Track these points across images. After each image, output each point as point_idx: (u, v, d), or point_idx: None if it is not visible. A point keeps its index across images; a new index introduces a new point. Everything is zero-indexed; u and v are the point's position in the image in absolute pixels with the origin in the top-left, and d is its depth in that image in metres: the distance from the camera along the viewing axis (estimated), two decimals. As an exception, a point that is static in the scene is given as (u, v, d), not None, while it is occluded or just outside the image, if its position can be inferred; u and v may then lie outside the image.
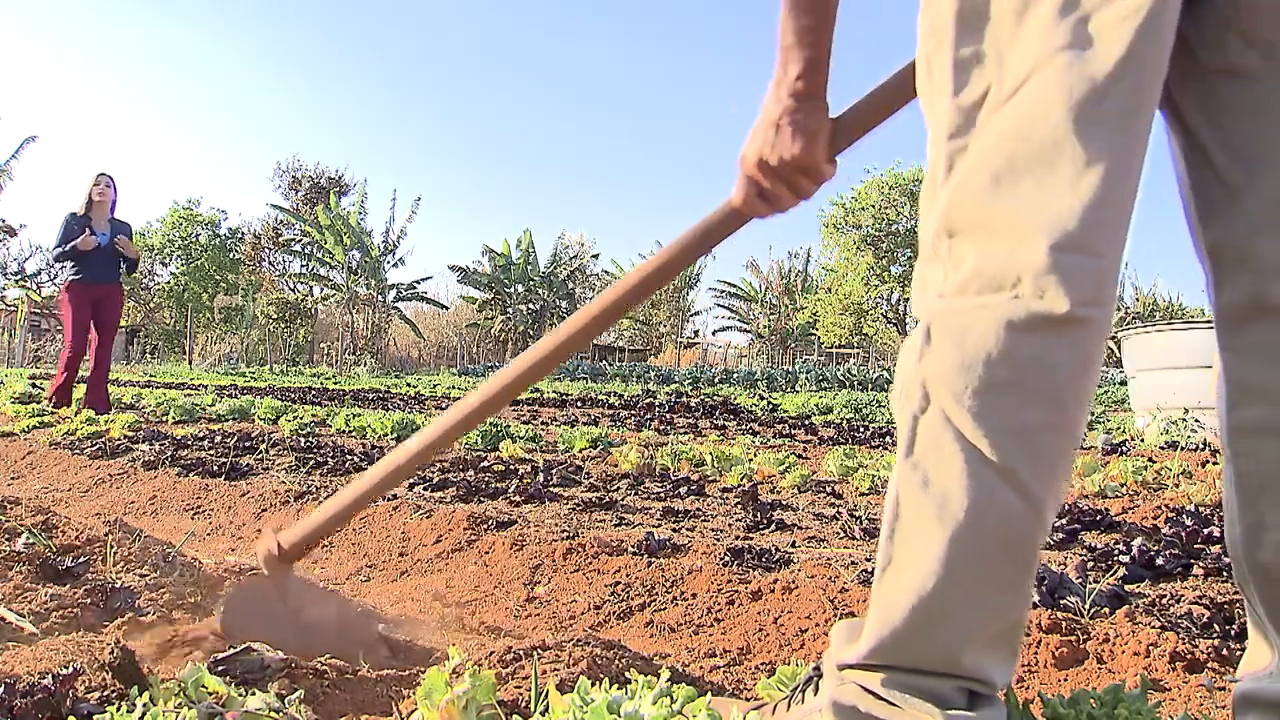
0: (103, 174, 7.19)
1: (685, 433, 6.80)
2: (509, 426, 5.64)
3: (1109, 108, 0.86)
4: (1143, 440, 6.91)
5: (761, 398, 13.63)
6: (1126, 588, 2.01)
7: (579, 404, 11.05)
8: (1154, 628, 1.66)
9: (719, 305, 40.14)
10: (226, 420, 7.03)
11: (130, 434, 5.22)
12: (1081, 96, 0.85)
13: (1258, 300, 0.92)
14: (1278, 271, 0.91)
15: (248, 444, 4.86)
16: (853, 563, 2.27)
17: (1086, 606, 1.80)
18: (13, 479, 4.36)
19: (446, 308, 37.66)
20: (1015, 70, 0.89)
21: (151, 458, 4.27)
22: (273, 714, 1.13)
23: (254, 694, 1.18)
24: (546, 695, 1.13)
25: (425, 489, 3.44)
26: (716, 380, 21.97)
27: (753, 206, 1.19)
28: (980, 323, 0.88)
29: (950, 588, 0.89)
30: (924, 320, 0.94)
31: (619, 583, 2.19)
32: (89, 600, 1.66)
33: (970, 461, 0.88)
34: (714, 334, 41.72)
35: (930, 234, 0.95)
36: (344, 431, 6.08)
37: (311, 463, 4.11)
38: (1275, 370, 0.92)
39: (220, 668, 1.30)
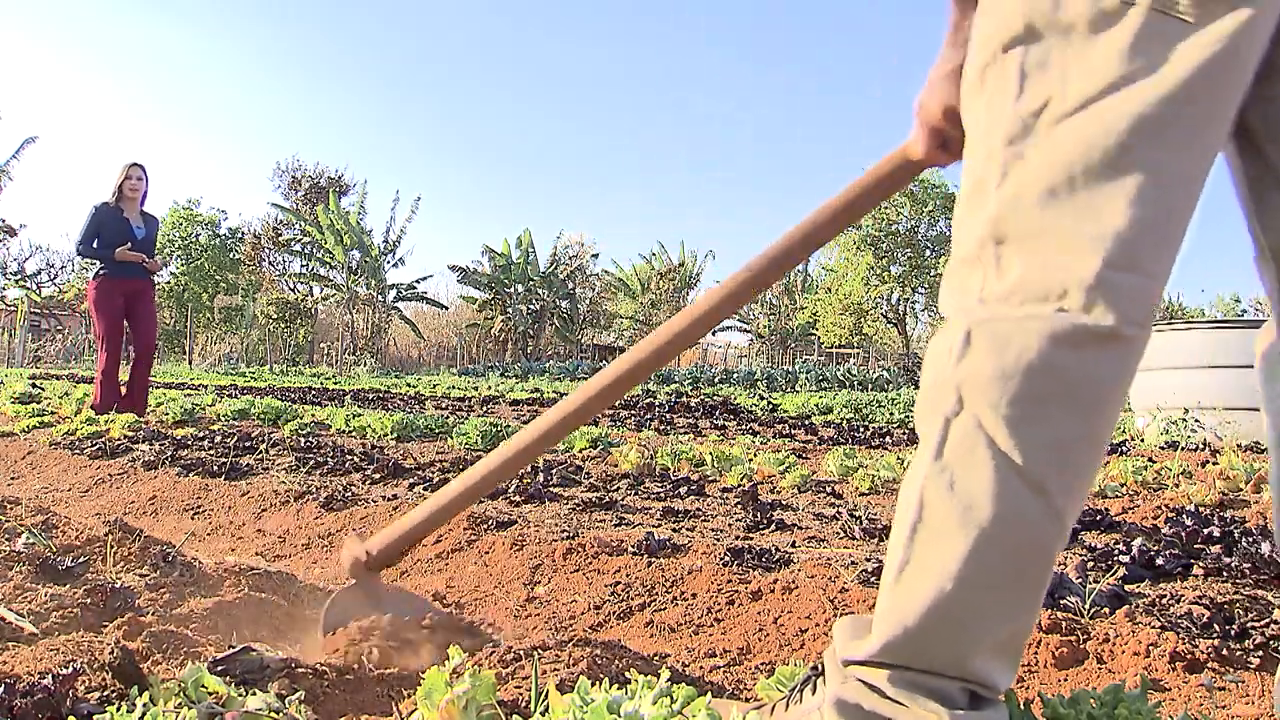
0: (135, 164, 6.72)
1: (685, 433, 6.80)
2: (509, 426, 5.64)
3: (1177, 133, 0.87)
4: (1143, 440, 6.91)
5: (761, 398, 13.63)
6: (1126, 588, 2.01)
7: (579, 404, 11.03)
8: (1154, 628, 1.66)
9: (719, 305, 40.05)
10: (226, 420, 7.03)
11: (130, 434, 5.22)
12: (1151, 119, 0.86)
13: None
14: None
15: (248, 444, 4.86)
16: (853, 563, 2.27)
17: (1086, 606, 1.80)
18: (13, 479, 4.36)
19: (446, 308, 37.64)
20: (1083, 84, 0.89)
21: (151, 458, 4.27)
22: (273, 714, 1.13)
23: (254, 694, 1.18)
24: (546, 695, 1.13)
25: (425, 489, 3.44)
26: (716, 380, 21.96)
27: (935, 156, 1.17)
28: (1024, 333, 0.89)
29: (969, 592, 0.90)
30: (963, 324, 0.94)
31: (619, 583, 2.19)
32: (89, 600, 1.66)
33: (1000, 469, 0.89)
34: (714, 334, 41.75)
35: (975, 238, 0.95)
36: (344, 431, 6.08)
37: (311, 463, 4.11)
38: None
39: (220, 668, 1.30)
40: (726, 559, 2.28)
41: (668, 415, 8.62)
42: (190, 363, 30.23)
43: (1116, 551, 2.30)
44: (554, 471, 3.90)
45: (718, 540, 2.59)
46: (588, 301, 36.99)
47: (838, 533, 2.76)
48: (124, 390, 6.79)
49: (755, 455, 4.60)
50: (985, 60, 0.97)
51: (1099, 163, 0.87)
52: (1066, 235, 0.88)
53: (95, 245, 6.56)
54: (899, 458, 4.14)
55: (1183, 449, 5.91)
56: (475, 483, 1.48)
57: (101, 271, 6.63)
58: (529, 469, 4.03)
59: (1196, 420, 6.82)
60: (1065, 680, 1.55)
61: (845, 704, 0.95)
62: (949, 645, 0.91)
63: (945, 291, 0.99)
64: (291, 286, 36.81)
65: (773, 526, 2.85)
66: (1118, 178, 0.87)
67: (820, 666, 1.07)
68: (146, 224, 6.78)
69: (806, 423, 8.32)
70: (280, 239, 36.35)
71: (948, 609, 0.90)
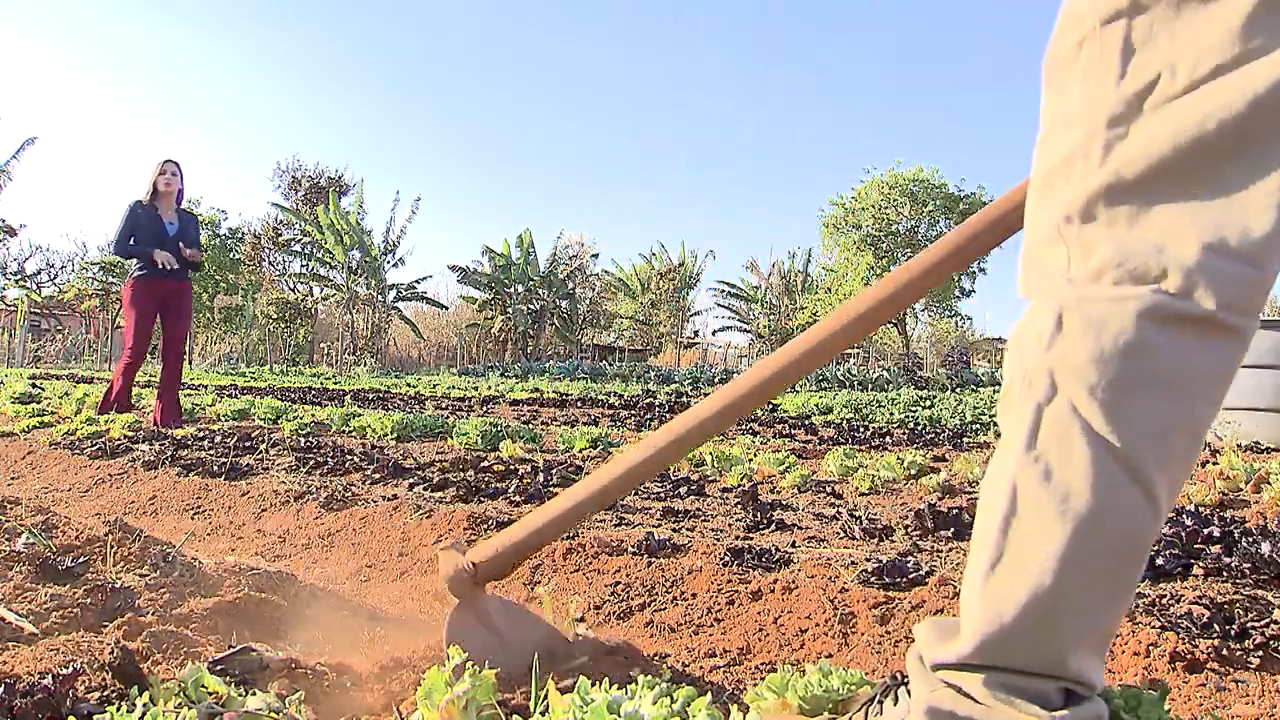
0: (169, 161, 6.43)
1: (685, 433, 6.78)
2: (509, 426, 5.64)
3: None
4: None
5: (761, 398, 13.59)
6: (1126, 588, 2.01)
7: (579, 404, 11.05)
8: (1154, 628, 1.66)
9: (719, 305, 40.13)
10: (227, 420, 7.02)
11: (130, 434, 5.22)
12: (1268, 103, 0.82)
13: None
14: None
15: (248, 444, 4.86)
16: (853, 563, 2.27)
17: (1086, 606, 1.80)
18: (13, 479, 4.36)
19: (446, 308, 37.64)
20: (1195, 63, 0.85)
21: (151, 458, 4.27)
22: (272, 714, 1.13)
23: (254, 694, 1.18)
24: (547, 695, 1.13)
25: (425, 489, 3.44)
26: (716, 380, 21.95)
27: None
28: (1120, 314, 0.85)
29: (1069, 586, 0.86)
30: (1052, 307, 0.90)
31: (619, 583, 2.19)
32: (89, 600, 1.66)
33: (1099, 456, 0.85)
34: (714, 334, 41.72)
35: (1059, 215, 0.91)
36: (344, 431, 6.08)
37: (311, 463, 4.11)
38: None
39: (219, 667, 1.30)
40: (726, 559, 2.28)
41: (667, 415, 8.62)
42: (190, 363, 30.22)
43: (1116, 551, 2.29)
44: (554, 471, 3.90)
45: (718, 540, 2.59)
46: (588, 301, 36.98)
47: (838, 533, 2.76)
48: (156, 399, 6.57)
49: (755, 455, 4.60)
50: (1082, 34, 0.92)
51: (1210, 146, 0.83)
52: (1169, 219, 0.85)
53: (131, 244, 6.29)
54: (899, 458, 4.14)
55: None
56: (602, 487, 1.37)
57: (138, 272, 6.36)
58: (530, 469, 4.03)
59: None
60: (1065, 680, 1.55)
61: (939, 712, 0.92)
62: (1047, 642, 0.88)
63: (1025, 275, 0.95)
64: (291, 286, 36.81)
65: (773, 526, 2.85)
66: (1230, 163, 0.83)
67: (900, 676, 1.04)
68: (182, 221, 6.48)
69: (806, 423, 8.32)
70: (280, 239, 36.35)
71: (1047, 604, 0.87)
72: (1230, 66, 0.83)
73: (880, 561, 2.13)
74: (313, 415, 6.81)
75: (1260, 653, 1.55)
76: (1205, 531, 2.41)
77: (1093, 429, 0.86)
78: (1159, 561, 2.20)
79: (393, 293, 33.63)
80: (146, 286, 6.36)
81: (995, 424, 7.90)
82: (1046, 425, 0.88)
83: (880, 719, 1.02)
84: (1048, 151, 0.94)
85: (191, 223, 6.57)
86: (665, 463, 1.37)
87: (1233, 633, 1.62)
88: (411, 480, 3.61)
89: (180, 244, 6.38)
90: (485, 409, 9.66)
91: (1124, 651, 1.58)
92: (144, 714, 1.08)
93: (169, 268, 6.29)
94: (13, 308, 34.08)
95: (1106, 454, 0.85)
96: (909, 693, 1.00)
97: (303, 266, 35.41)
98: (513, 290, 34.61)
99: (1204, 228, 0.83)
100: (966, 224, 1.20)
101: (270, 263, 37.87)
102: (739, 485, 3.76)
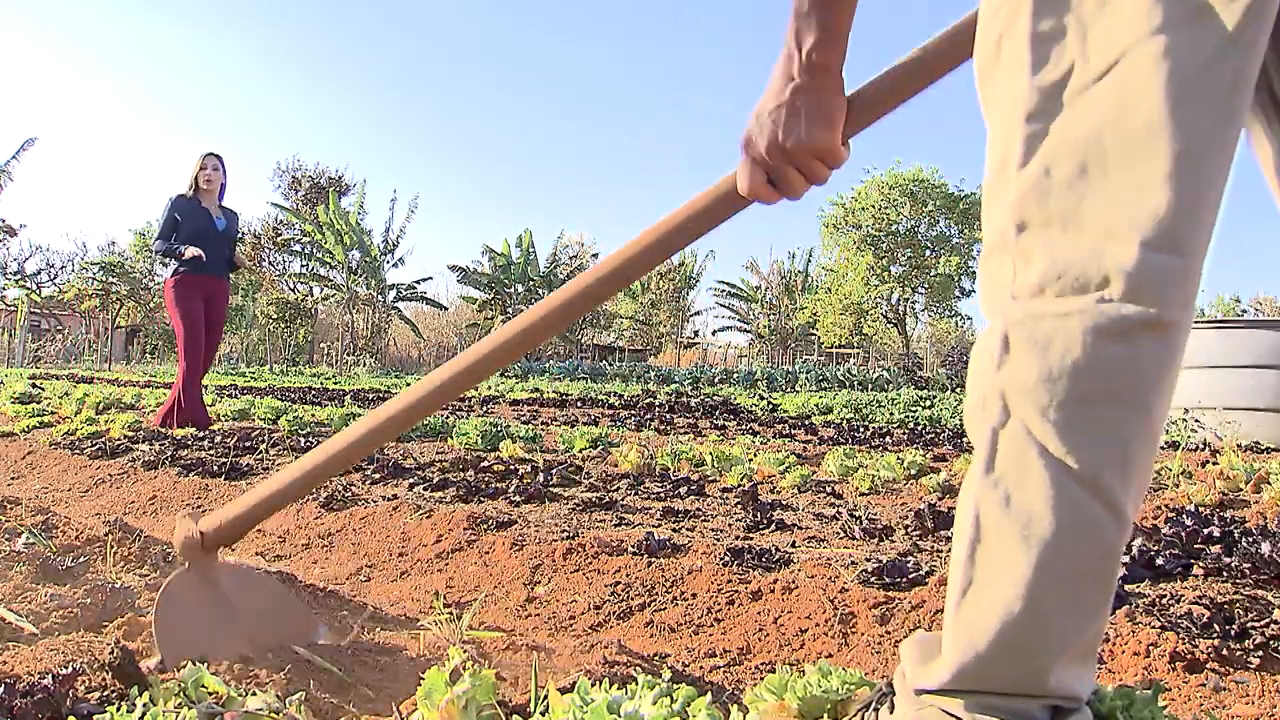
0: (210, 154, 6.06)
1: (685, 433, 6.80)
2: (509, 426, 5.64)
3: (1210, 95, 0.79)
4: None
5: (761, 398, 13.62)
6: (1126, 588, 2.01)
7: (579, 404, 11.05)
8: (1154, 628, 1.66)
9: (719, 305, 40.14)
10: (226, 420, 7.02)
11: (130, 434, 5.22)
12: (1182, 81, 0.78)
13: None
14: None
15: (248, 444, 4.86)
16: (853, 563, 2.27)
17: (1086, 606, 1.80)
18: (13, 479, 4.36)
19: (446, 308, 37.67)
20: (1104, 49, 0.81)
21: (151, 458, 4.27)
22: (272, 714, 1.14)
23: (254, 694, 1.18)
24: (546, 695, 1.13)
25: (425, 489, 3.44)
26: (716, 380, 21.97)
27: (759, 192, 1.10)
28: (1066, 330, 0.82)
29: (1039, 609, 0.85)
30: (999, 326, 0.87)
31: (619, 583, 2.19)
32: (89, 600, 1.66)
33: (1056, 478, 0.83)
34: (714, 334, 41.74)
35: (999, 226, 0.87)
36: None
37: (311, 463, 4.10)
38: None
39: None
40: (726, 559, 2.27)
41: (668, 415, 8.63)
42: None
43: (1116, 551, 2.30)
44: (554, 471, 3.90)
45: (718, 540, 2.59)
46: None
47: (838, 533, 2.76)
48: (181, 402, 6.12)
49: (755, 455, 4.60)
50: (999, 29, 0.88)
51: (1130, 132, 0.80)
52: (1102, 216, 0.81)
53: (174, 241, 5.87)
54: (899, 458, 4.14)
55: (1183, 449, 5.91)
56: (336, 452, 1.37)
57: (180, 269, 5.89)
58: (529, 469, 4.03)
59: (1196, 420, 6.82)
60: (1065, 680, 1.55)
61: None
62: (1024, 665, 0.86)
63: (980, 291, 0.93)
64: (291, 286, 36.83)
65: (773, 526, 2.85)
66: (1153, 148, 0.79)
67: (892, 687, 1.03)
68: (227, 218, 6.09)
69: (806, 423, 8.32)
70: (280, 239, 36.36)
71: (1018, 629, 0.85)
72: (1144, 43, 0.79)
73: (880, 561, 2.13)
74: (313, 415, 6.81)
75: (1260, 653, 1.55)
76: (1205, 531, 2.41)
77: (1049, 452, 0.83)
78: (1159, 561, 2.20)
79: (393, 293, 33.64)
80: (191, 284, 5.93)
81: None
82: (1003, 449, 0.86)
83: None
84: (988, 157, 0.91)
85: (235, 220, 6.22)
86: (391, 434, 1.37)
87: (1233, 633, 1.62)
88: (411, 480, 3.61)
89: (229, 245, 6.07)
90: (485, 409, 9.66)
91: (1124, 651, 1.58)
92: (144, 714, 1.08)
93: (200, 259, 5.83)
94: (13, 308, 34.09)
95: (1065, 475, 0.83)
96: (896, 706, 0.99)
97: (303, 266, 35.43)
98: (513, 290, 34.62)
99: (1137, 223, 0.80)
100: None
101: (270, 263, 37.88)
102: (739, 485, 3.76)
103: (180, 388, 5.98)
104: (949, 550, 2.50)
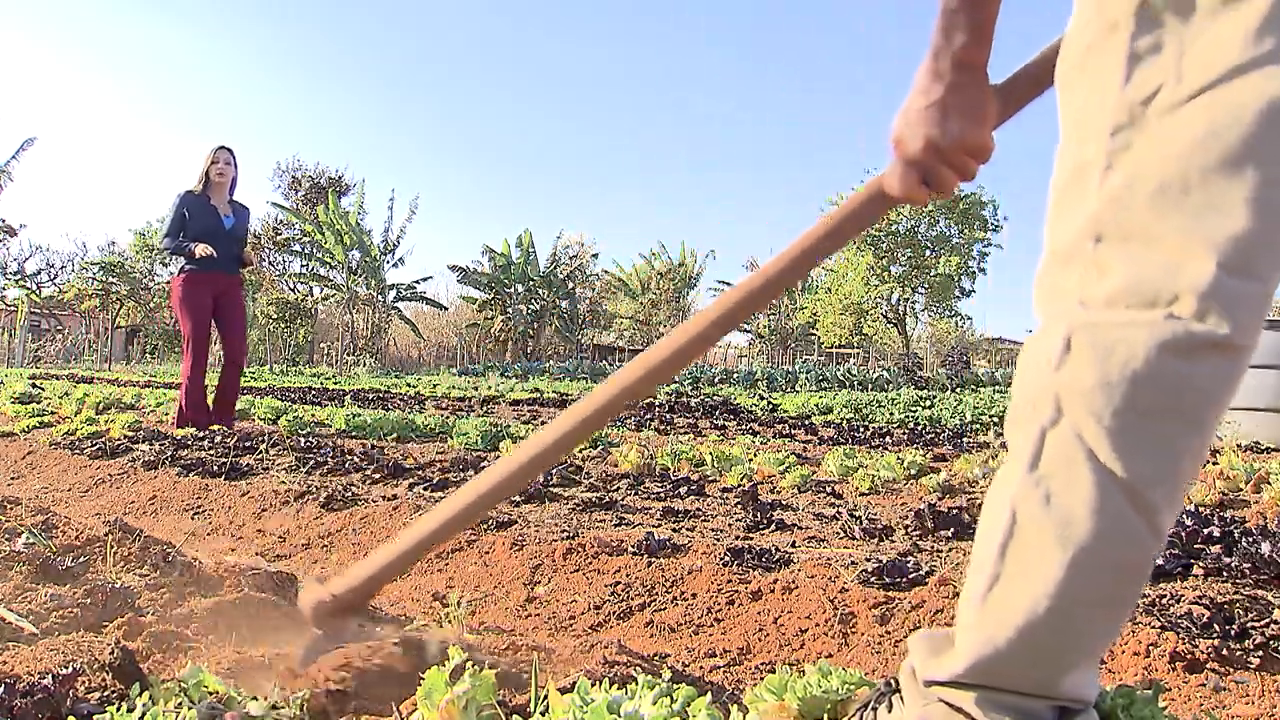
0: (222, 148, 5.91)
1: (685, 433, 6.80)
2: (509, 426, 5.64)
3: None
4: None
5: (761, 398, 13.62)
6: (1126, 588, 2.01)
7: (579, 404, 11.03)
8: (1154, 628, 1.66)
9: (719, 305, 40.04)
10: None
11: (130, 434, 5.22)
12: (1276, 110, 0.79)
13: None
14: None
15: (248, 444, 4.86)
16: (853, 563, 2.27)
17: (1086, 606, 1.80)
18: (13, 479, 4.36)
19: (446, 308, 37.66)
20: (1201, 70, 0.82)
21: (151, 458, 4.27)
22: (273, 714, 1.14)
23: (254, 699, 1.18)
24: (546, 695, 1.13)
25: (425, 489, 3.44)
26: (716, 380, 21.96)
27: (914, 193, 1.09)
28: (1130, 340, 0.83)
29: (1065, 612, 0.85)
30: (1062, 328, 0.87)
31: (619, 583, 2.19)
32: (89, 600, 1.66)
33: (1101, 484, 0.84)
34: (714, 334, 41.65)
35: (1072, 234, 0.88)
36: (344, 432, 6.08)
37: (311, 463, 4.11)
38: None
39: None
40: (726, 559, 2.27)
41: (668, 415, 8.62)
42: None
43: (1116, 551, 2.29)
44: (554, 471, 3.90)
45: (718, 540, 2.59)
46: (588, 301, 36.99)
47: (838, 533, 2.76)
48: (210, 401, 6.03)
49: (755, 455, 4.60)
50: (1089, 41, 0.89)
51: (1219, 156, 0.80)
52: (1179, 236, 0.82)
53: (182, 238, 5.76)
54: (899, 458, 4.14)
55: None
56: (480, 496, 1.33)
57: (188, 266, 5.78)
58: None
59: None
60: (1065, 680, 1.55)
61: None
62: (1041, 666, 0.87)
63: (1039, 292, 0.93)
64: (291, 286, 36.83)
65: (773, 526, 2.85)
66: (1240, 173, 0.80)
67: (894, 683, 1.03)
68: (236, 214, 5.95)
69: (806, 423, 8.32)
70: (280, 239, 36.36)
71: (1041, 630, 0.86)
72: (1240, 72, 0.80)
73: (880, 561, 2.13)
74: (312, 415, 6.81)
75: (1260, 653, 1.55)
76: (1205, 531, 2.41)
77: (1097, 457, 0.84)
78: (1159, 561, 2.20)
79: (393, 293, 33.64)
80: (199, 281, 5.80)
81: (995, 424, 7.89)
82: (1050, 449, 0.87)
83: None
84: (1060, 164, 0.92)
85: (245, 215, 6.05)
86: (524, 479, 1.35)
87: (1233, 633, 1.62)
88: (411, 480, 3.61)
89: (238, 242, 5.93)
90: (485, 409, 9.66)
91: (1124, 651, 1.59)
92: (144, 714, 1.08)
93: (208, 256, 5.70)
94: (13, 308, 34.10)
95: (1110, 483, 0.84)
96: (903, 700, 0.99)
97: (303, 266, 35.44)
98: (513, 290, 34.62)
99: (1214, 245, 0.80)
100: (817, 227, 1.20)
101: (270, 263, 37.89)
102: (739, 485, 3.76)
103: (186, 386, 5.89)
104: (949, 550, 2.50)
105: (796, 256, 1.20)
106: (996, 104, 1.06)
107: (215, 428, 5.71)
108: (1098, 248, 0.86)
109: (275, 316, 33.92)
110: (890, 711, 1.00)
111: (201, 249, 5.67)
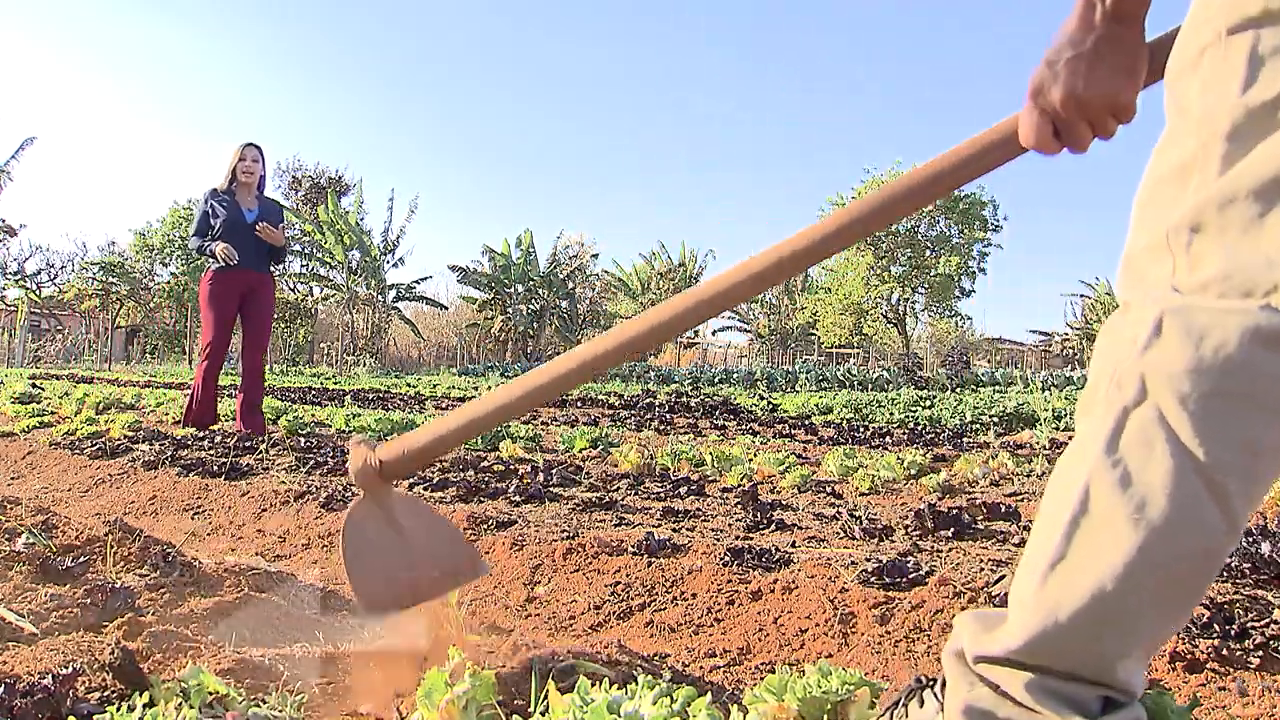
0: (250, 145, 5.87)
1: (685, 433, 6.80)
2: (508, 426, 5.64)
3: None
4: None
5: (761, 398, 13.62)
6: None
7: (579, 404, 11.05)
8: (1154, 628, 1.66)
9: (719, 305, 40.05)
10: (227, 419, 7.02)
11: (130, 434, 5.22)
12: None
13: None
14: None
15: (248, 444, 4.86)
16: (853, 563, 2.27)
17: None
18: (13, 479, 4.36)
19: (446, 308, 37.65)
20: None
21: (151, 458, 4.27)
22: (273, 715, 1.14)
23: (256, 702, 1.18)
24: (547, 695, 1.13)
25: (425, 489, 3.44)
26: (716, 380, 21.95)
27: (1045, 144, 1.04)
28: (1223, 325, 0.83)
29: (1131, 595, 0.85)
30: (1153, 311, 0.87)
31: (619, 583, 2.19)
32: (89, 600, 1.66)
33: (1181, 466, 0.83)
34: (714, 334, 41.72)
35: (1168, 224, 0.88)
36: (344, 432, 6.08)
37: (311, 463, 4.11)
38: None
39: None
40: (726, 559, 2.27)
41: (668, 415, 8.62)
42: (190, 363, 30.23)
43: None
44: (554, 471, 3.90)
45: (718, 540, 2.59)
46: (588, 301, 36.99)
47: (838, 533, 2.76)
48: (238, 406, 5.93)
49: (755, 455, 4.60)
50: (1205, 41, 0.89)
51: None
52: None
53: (208, 237, 5.73)
54: (899, 458, 4.14)
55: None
56: (518, 397, 1.35)
57: (214, 264, 5.74)
58: (529, 469, 4.03)
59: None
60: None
61: (977, 711, 0.90)
62: (1099, 649, 0.87)
63: (1125, 278, 0.93)
64: (291, 286, 36.83)
65: (773, 526, 2.85)
66: None
67: (924, 679, 1.02)
68: (262, 208, 5.88)
69: (806, 423, 8.31)
70: (280, 239, 36.33)
71: (1105, 610, 0.85)
72: None
73: (880, 561, 2.13)
74: (312, 415, 6.81)
75: (1260, 653, 1.55)
76: (1205, 531, 2.41)
77: (1179, 439, 0.84)
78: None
79: (393, 293, 33.64)
80: (226, 279, 5.74)
81: (995, 424, 7.89)
82: (1131, 430, 0.86)
83: None
84: (1161, 158, 0.92)
85: (274, 212, 5.97)
86: (568, 386, 1.37)
87: (1233, 633, 1.62)
88: (411, 480, 3.61)
89: (257, 226, 5.79)
90: (485, 409, 9.64)
91: (1124, 651, 1.59)
92: (144, 714, 1.08)
93: (229, 261, 5.64)
94: (13, 308, 34.11)
95: (1190, 467, 0.83)
96: (935, 695, 0.98)
97: (303, 266, 35.43)
98: (513, 290, 34.62)
99: None
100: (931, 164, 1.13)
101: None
102: (739, 485, 3.76)
103: (199, 384, 5.85)
104: (949, 550, 2.50)
105: (924, 180, 1.12)
106: (1149, 62, 1.01)
107: (235, 428, 5.66)
108: (1195, 238, 0.86)
109: (275, 316, 33.93)
110: (922, 707, 0.99)
111: (222, 250, 5.62)
